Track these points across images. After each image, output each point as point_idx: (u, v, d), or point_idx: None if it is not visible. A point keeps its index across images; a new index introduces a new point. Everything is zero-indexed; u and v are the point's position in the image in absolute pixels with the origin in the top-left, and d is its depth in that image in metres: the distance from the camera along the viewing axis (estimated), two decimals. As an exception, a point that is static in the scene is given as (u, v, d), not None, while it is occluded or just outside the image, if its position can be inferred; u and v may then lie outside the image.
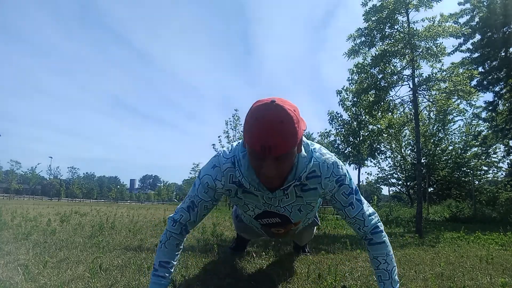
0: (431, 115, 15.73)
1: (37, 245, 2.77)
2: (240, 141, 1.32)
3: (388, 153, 17.66)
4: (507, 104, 11.34)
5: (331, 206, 1.45)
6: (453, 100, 5.88)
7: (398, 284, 1.36)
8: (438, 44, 5.13)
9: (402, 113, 7.05)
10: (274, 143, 1.02)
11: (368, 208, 1.37)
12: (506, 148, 12.74)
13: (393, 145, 17.37)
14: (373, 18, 5.40)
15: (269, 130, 1.02)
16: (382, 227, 1.39)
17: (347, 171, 1.36)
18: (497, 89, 11.49)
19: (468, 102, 6.02)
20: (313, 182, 1.31)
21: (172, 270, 1.38)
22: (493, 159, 14.68)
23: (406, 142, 17.04)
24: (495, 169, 14.63)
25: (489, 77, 11.27)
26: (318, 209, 1.75)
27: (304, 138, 1.27)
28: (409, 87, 5.31)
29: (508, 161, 13.63)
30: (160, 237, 1.39)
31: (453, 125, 16.13)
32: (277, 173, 1.13)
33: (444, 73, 5.26)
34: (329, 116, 11.36)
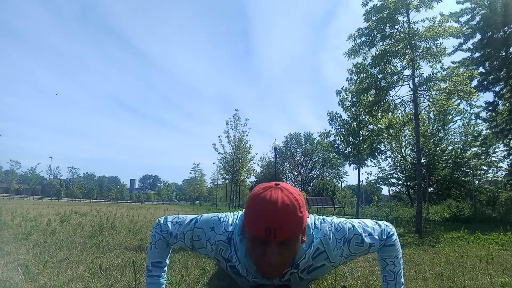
0: (431, 115, 15.74)
1: (37, 245, 2.77)
2: (239, 224, 1.24)
3: (389, 153, 17.68)
4: (507, 104, 11.34)
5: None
6: (454, 100, 5.86)
7: (403, 286, 1.34)
8: (438, 44, 5.12)
9: (403, 112, 7.04)
10: (280, 226, 0.96)
11: (376, 228, 1.29)
12: (506, 148, 12.74)
13: (394, 145, 17.38)
14: (374, 18, 5.39)
15: (275, 212, 0.96)
16: (392, 230, 1.32)
17: (345, 222, 1.27)
18: (497, 89, 11.49)
19: (468, 102, 6.01)
20: (320, 259, 1.22)
21: (166, 269, 1.38)
22: (493, 159, 14.68)
23: (406, 142, 17.05)
24: (495, 169, 14.63)
25: (490, 77, 11.26)
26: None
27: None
28: (409, 87, 5.31)
29: (508, 160, 13.63)
30: (150, 238, 1.37)
31: (453, 125, 16.15)
32: (280, 261, 1.04)
33: (445, 73, 5.25)
34: (329, 116, 11.35)
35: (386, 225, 1.32)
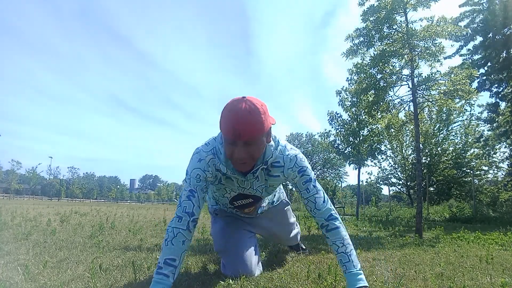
0: (433, 116, 15.74)
1: (37, 245, 2.77)
2: (218, 134, 1.52)
3: (389, 153, 17.66)
4: (509, 105, 11.33)
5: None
6: (456, 101, 5.85)
7: (359, 265, 1.47)
8: (437, 44, 5.12)
9: (402, 112, 7.02)
10: (243, 130, 1.25)
11: (322, 196, 1.58)
12: (510, 149, 12.74)
13: (394, 145, 17.36)
14: (371, 18, 5.39)
15: (239, 119, 1.24)
16: (336, 215, 1.56)
17: (308, 164, 1.61)
18: (499, 90, 11.48)
19: (468, 102, 6.00)
20: (277, 170, 1.55)
21: (178, 270, 1.34)
22: (493, 159, 14.67)
23: (408, 142, 17.03)
24: (496, 169, 14.62)
25: (491, 78, 11.25)
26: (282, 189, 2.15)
27: (274, 134, 1.51)
28: (408, 87, 5.31)
29: (508, 161, 13.63)
30: (165, 235, 1.37)
31: (455, 126, 16.13)
32: (246, 156, 1.34)
33: (444, 72, 5.25)
34: (329, 116, 11.36)
35: (332, 209, 1.56)
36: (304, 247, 2.77)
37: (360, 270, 1.44)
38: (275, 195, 2.08)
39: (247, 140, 1.29)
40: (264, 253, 2.54)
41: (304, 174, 1.56)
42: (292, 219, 2.33)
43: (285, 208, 2.24)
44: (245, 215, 2.00)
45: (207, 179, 1.50)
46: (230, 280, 1.70)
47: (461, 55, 11.64)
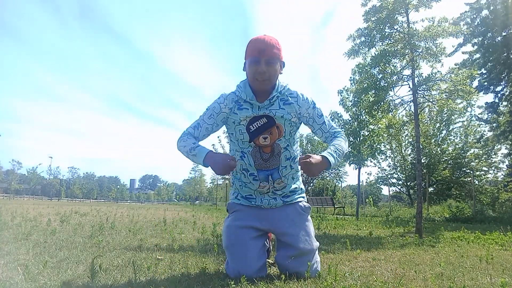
0: (432, 115, 15.74)
1: (37, 245, 2.77)
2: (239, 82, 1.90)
3: (388, 153, 17.65)
4: (509, 105, 11.31)
5: (310, 128, 1.93)
6: (459, 102, 5.86)
7: (335, 155, 1.76)
8: (438, 44, 5.11)
9: (403, 112, 7.02)
10: (265, 47, 1.67)
11: (334, 125, 1.92)
12: (509, 151, 12.73)
13: (393, 145, 17.35)
14: (373, 19, 5.39)
15: (262, 41, 1.69)
16: (343, 134, 1.90)
17: (321, 112, 1.90)
18: (499, 89, 11.45)
19: (468, 102, 6.01)
20: (291, 99, 1.81)
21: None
22: (493, 159, 14.67)
23: (406, 142, 17.03)
24: (496, 170, 14.62)
25: (491, 79, 11.22)
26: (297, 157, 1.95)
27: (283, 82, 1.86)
28: (409, 87, 5.31)
29: (507, 161, 13.63)
30: (178, 146, 1.82)
31: (455, 126, 16.13)
32: (267, 72, 1.68)
33: (444, 72, 5.25)
34: (330, 116, 11.34)
35: (342, 131, 1.93)
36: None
37: (333, 153, 1.75)
38: (292, 147, 1.87)
39: (268, 58, 1.67)
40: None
41: (316, 107, 1.86)
42: (312, 234, 1.93)
43: (304, 212, 1.96)
44: (263, 157, 1.83)
45: (222, 110, 1.81)
46: (230, 281, 1.70)
47: (463, 53, 11.58)
